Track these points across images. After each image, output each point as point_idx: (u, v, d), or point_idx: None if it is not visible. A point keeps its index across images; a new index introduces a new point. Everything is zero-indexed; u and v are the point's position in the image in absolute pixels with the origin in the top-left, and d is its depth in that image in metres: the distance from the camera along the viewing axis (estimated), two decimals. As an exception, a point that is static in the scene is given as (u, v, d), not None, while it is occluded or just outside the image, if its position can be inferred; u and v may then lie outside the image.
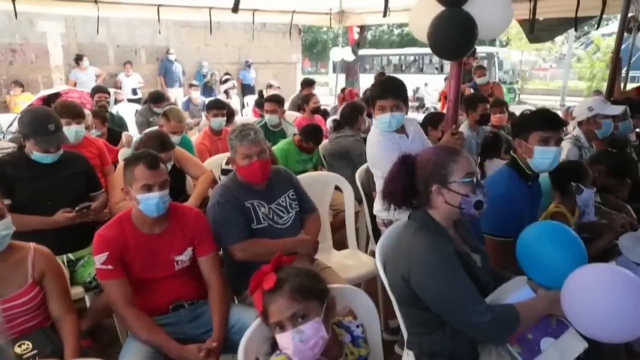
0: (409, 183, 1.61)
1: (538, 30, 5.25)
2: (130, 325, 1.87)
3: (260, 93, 7.55)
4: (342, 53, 9.42)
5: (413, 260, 1.53)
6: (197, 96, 7.18)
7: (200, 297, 2.08)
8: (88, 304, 2.54)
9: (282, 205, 2.33)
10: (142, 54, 10.30)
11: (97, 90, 5.62)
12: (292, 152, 3.60)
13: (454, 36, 2.09)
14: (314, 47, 33.84)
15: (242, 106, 9.26)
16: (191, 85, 7.43)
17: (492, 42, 30.41)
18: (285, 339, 1.25)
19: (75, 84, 7.91)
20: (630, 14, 4.46)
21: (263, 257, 1.80)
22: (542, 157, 2.06)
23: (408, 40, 31.81)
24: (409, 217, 1.68)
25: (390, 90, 2.41)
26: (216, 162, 3.38)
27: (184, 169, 3.12)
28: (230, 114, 4.19)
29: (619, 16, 4.31)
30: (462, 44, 2.14)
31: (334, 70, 9.47)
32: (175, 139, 3.30)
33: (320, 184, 3.07)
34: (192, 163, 3.16)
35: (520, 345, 1.53)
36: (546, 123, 2.08)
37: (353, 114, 3.87)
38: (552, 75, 26.22)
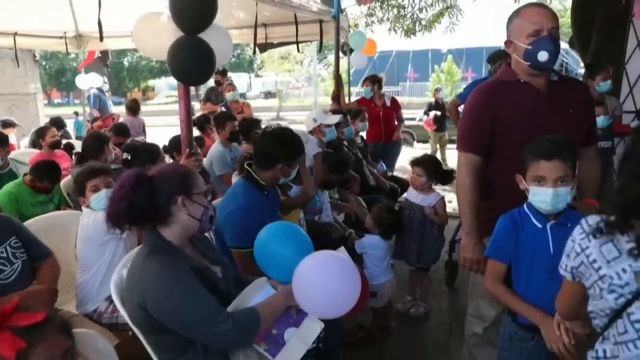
0: (152, 196, 1.51)
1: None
2: None
3: None
4: (90, 80, 8.56)
5: (146, 286, 1.49)
6: None
7: None
8: None
9: (1, 257, 1.99)
10: None
11: None
12: (25, 195, 3.10)
13: (195, 63, 2.11)
14: (62, 75, 30.01)
15: None
16: None
17: (249, 65, 32.43)
18: None
19: None
20: (342, 40, 5.33)
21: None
22: None
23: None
24: (142, 241, 1.62)
25: None
26: None
27: None
28: None
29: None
30: (204, 71, 2.18)
31: (89, 99, 8.42)
32: None
33: (61, 225, 2.73)
34: None
35: (266, 342, 1.64)
36: None
37: (97, 145, 3.57)
38: (305, 92, 29.32)
